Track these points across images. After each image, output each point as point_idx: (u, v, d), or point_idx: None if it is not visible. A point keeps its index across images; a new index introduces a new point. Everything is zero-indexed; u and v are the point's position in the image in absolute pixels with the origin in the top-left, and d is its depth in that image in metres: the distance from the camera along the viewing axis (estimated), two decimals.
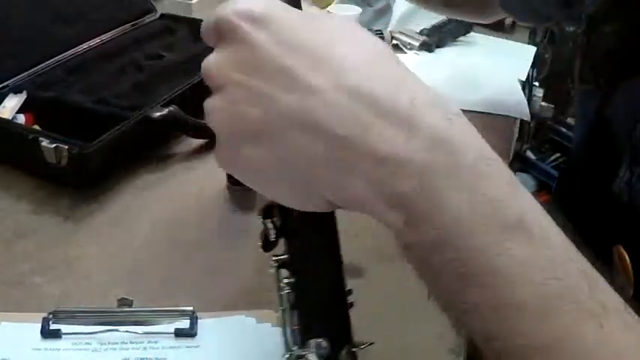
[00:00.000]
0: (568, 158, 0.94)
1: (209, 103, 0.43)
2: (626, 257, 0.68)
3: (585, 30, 0.74)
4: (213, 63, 0.43)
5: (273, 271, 0.49)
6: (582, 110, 0.85)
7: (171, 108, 1.00)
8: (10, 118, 1.03)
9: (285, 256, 0.48)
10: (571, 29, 2.60)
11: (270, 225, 0.48)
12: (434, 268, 0.39)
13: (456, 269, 0.37)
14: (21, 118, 1.04)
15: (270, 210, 0.48)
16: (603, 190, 0.71)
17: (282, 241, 0.49)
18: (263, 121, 0.40)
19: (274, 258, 0.48)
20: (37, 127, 1.03)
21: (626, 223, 0.69)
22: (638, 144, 0.66)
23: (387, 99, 0.38)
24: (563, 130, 2.68)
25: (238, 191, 0.94)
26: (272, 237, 0.48)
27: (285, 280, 0.48)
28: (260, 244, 0.49)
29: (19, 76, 1.11)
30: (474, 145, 0.39)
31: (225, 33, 0.42)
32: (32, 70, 1.14)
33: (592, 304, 0.37)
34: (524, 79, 1.47)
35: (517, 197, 0.39)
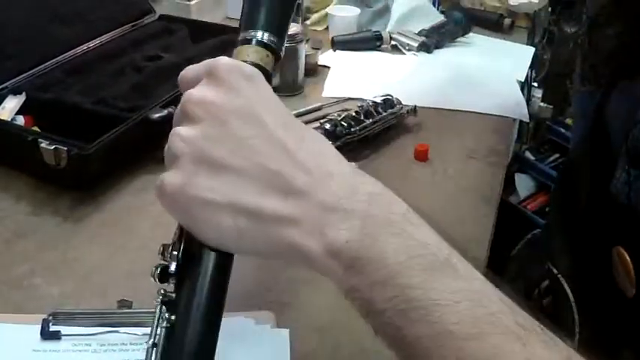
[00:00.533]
0: (567, 159, 0.95)
1: (180, 131, 0.47)
2: (627, 258, 0.68)
3: (587, 32, 0.74)
4: (197, 96, 0.48)
5: (156, 303, 0.48)
6: (581, 110, 0.86)
7: (170, 109, 1.00)
8: (10, 119, 1.03)
9: (173, 295, 0.48)
10: (570, 30, 2.60)
11: (174, 257, 0.48)
12: (377, 306, 0.43)
13: (397, 305, 0.42)
14: (20, 120, 1.04)
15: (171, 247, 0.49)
16: (601, 191, 0.71)
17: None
18: (228, 158, 0.45)
19: (163, 292, 0.48)
20: (36, 128, 1.03)
21: (626, 224, 0.69)
22: (636, 145, 0.66)
23: (337, 166, 0.47)
24: (562, 130, 2.68)
25: None
26: (172, 269, 0.48)
27: (167, 315, 0.47)
28: (155, 274, 0.49)
29: (18, 78, 1.11)
30: (402, 203, 0.46)
31: (217, 75, 0.48)
32: (31, 71, 1.14)
33: (515, 327, 0.41)
34: (522, 79, 1.47)
35: (441, 242, 0.45)
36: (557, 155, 2.74)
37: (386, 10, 1.66)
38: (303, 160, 0.45)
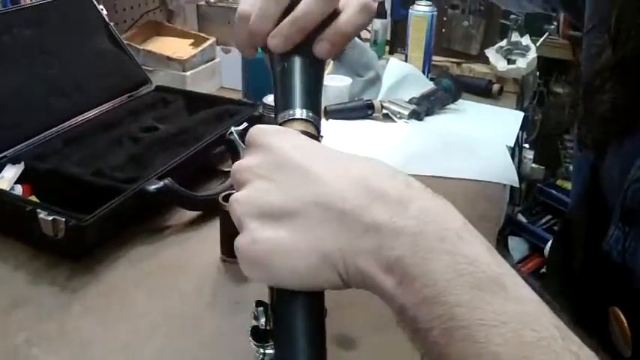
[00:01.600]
0: (563, 219, 0.95)
1: (235, 196, 0.51)
2: (623, 319, 0.68)
3: (582, 97, 0.76)
4: (242, 165, 0.53)
5: None
6: (577, 172, 0.87)
7: (166, 181, 1.02)
8: (9, 188, 1.04)
9: (272, 351, 0.49)
10: (563, 91, 2.65)
11: (261, 313, 0.50)
12: (424, 325, 0.43)
13: (443, 324, 0.42)
14: (19, 189, 1.05)
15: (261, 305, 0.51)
16: (596, 251, 0.72)
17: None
18: (283, 205, 0.48)
19: (262, 352, 0.50)
20: (34, 197, 1.04)
21: (620, 284, 0.69)
22: (629, 204, 0.67)
23: (385, 184, 0.48)
24: (554, 192, 2.71)
25: (232, 263, 0.95)
26: (261, 325, 0.50)
27: None
28: (250, 335, 0.50)
29: (16, 147, 1.13)
30: (457, 218, 0.47)
31: (252, 142, 0.53)
32: (30, 140, 1.16)
33: (567, 354, 0.40)
34: (512, 144, 1.49)
35: (494, 260, 0.44)
36: (549, 217, 2.76)
37: (377, 79, 1.69)
38: (346, 188, 0.48)
